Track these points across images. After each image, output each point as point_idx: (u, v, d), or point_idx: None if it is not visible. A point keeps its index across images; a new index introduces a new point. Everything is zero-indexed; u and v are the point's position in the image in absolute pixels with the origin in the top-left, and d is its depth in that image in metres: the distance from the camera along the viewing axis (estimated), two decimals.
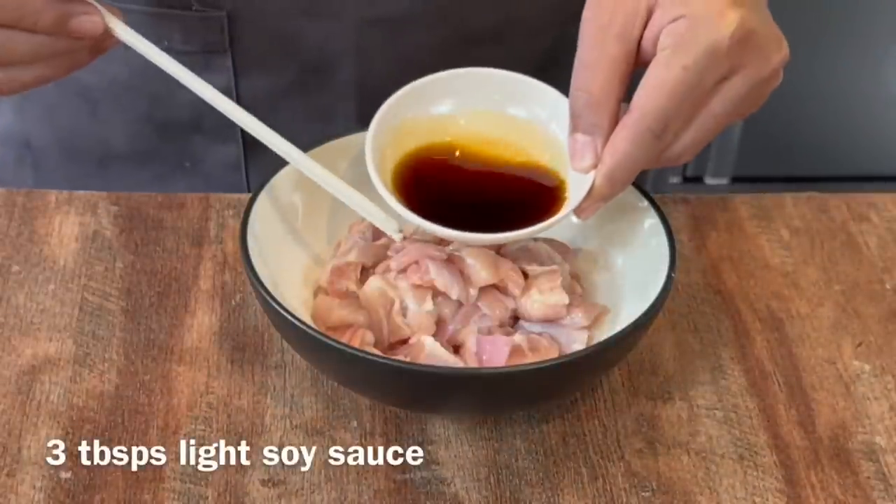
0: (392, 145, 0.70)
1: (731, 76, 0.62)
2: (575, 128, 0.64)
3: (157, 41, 0.83)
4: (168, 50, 0.83)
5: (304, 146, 0.72)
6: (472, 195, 0.71)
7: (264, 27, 0.83)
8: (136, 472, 0.65)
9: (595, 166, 0.64)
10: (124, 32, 0.69)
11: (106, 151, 0.90)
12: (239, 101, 0.86)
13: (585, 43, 0.63)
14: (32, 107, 0.92)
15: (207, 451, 0.67)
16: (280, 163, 0.73)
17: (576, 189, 0.66)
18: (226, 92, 0.85)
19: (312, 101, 0.87)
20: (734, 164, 2.12)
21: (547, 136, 0.70)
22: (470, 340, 0.68)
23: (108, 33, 0.68)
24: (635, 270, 0.72)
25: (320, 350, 0.65)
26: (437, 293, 0.69)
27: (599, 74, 0.62)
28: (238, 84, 0.86)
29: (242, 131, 0.87)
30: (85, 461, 0.66)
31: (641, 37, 0.62)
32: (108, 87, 0.87)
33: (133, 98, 0.88)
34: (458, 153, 0.71)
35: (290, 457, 0.67)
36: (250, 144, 0.89)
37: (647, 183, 0.99)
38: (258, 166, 0.89)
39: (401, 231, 0.70)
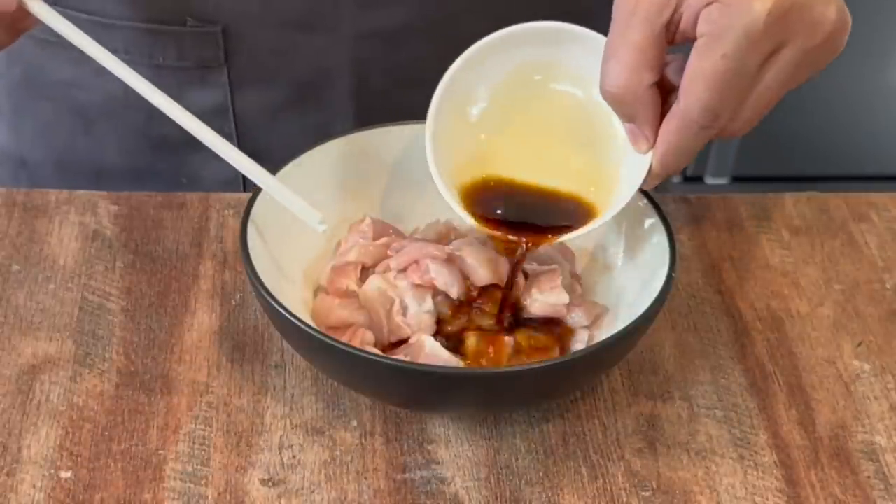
0: (446, 161, 0.70)
1: (780, 50, 0.61)
2: (619, 117, 0.65)
3: (151, 57, 0.83)
4: (163, 66, 0.84)
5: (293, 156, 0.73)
6: (518, 205, 0.71)
7: (260, 42, 0.83)
8: (135, 471, 0.65)
9: (651, 147, 0.64)
10: (40, 9, 0.66)
11: (101, 169, 0.90)
12: (235, 116, 0.86)
13: (612, 30, 0.62)
14: (27, 124, 0.92)
15: (207, 451, 0.67)
16: (278, 171, 0.73)
17: (634, 164, 0.66)
18: (222, 107, 0.85)
19: (309, 116, 0.86)
20: (734, 164, 2.12)
21: (590, 110, 0.69)
22: (470, 340, 0.68)
23: (23, 11, 0.66)
24: (635, 270, 0.72)
25: (320, 350, 0.65)
26: (437, 292, 0.69)
27: (623, 66, 0.62)
28: (234, 99, 0.85)
29: (240, 147, 0.87)
30: (85, 461, 0.66)
31: (674, 19, 0.61)
32: (103, 103, 0.87)
33: (128, 115, 0.87)
34: (503, 168, 0.71)
35: (291, 457, 0.67)
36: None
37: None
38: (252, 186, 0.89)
39: (322, 223, 0.70)
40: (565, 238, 0.69)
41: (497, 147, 0.71)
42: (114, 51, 0.83)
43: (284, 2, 0.80)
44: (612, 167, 0.69)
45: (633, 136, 0.64)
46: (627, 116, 0.64)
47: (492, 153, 0.71)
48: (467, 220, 0.69)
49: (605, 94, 0.63)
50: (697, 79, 0.60)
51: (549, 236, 0.69)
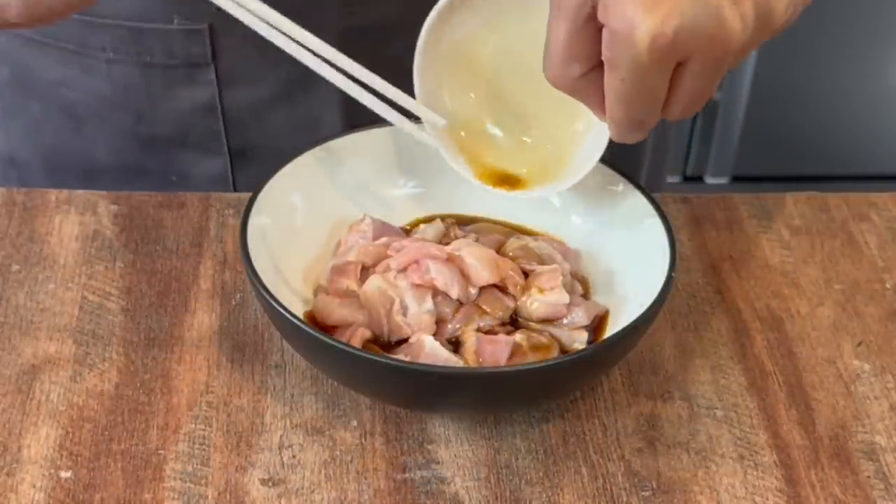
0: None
1: (685, 63, 0.59)
2: None
3: (139, 55, 0.83)
4: (151, 64, 0.84)
5: (291, 156, 0.73)
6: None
7: (247, 39, 0.83)
8: (135, 471, 0.66)
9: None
10: None
11: (91, 167, 0.90)
12: (224, 113, 0.86)
13: (548, 20, 0.62)
14: (16, 124, 0.92)
15: (207, 451, 0.67)
16: (269, 172, 0.73)
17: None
18: (210, 105, 0.85)
19: (298, 111, 0.86)
20: (734, 164, 2.12)
21: None
22: (470, 340, 0.68)
23: None
24: (635, 270, 0.72)
25: (320, 350, 0.65)
26: (437, 292, 0.69)
27: (552, 60, 0.62)
28: (223, 96, 0.85)
29: (228, 144, 0.88)
30: (85, 461, 0.66)
31: (596, 9, 0.60)
32: (92, 103, 0.87)
33: (117, 114, 0.87)
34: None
35: (291, 456, 0.67)
36: (237, 157, 0.88)
37: (642, 179, 0.99)
38: (245, 179, 0.89)
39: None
40: (536, 195, 0.73)
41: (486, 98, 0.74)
42: (101, 49, 0.83)
43: None
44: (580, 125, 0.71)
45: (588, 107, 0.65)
46: (575, 97, 0.64)
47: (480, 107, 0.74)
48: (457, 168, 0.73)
49: (548, 81, 0.64)
50: (609, 94, 0.61)
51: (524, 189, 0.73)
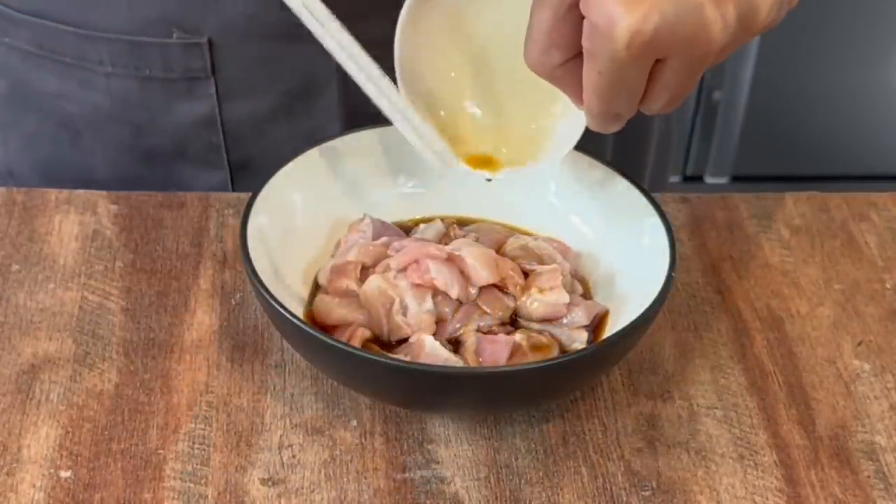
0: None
1: (665, 60, 0.59)
2: None
3: (138, 69, 0.83)
4: (149, 78, 0.83)
5: (291, 157, 0.74)
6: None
7: (246, 53, 0.83)
8: (135, 471, 0.66)
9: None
10: None
11: (89, 180, 0.89)
12: (224, 126, 0.86)
13: (530, 11, 0.62)
14: (14, 136, 0.91)
15: (207, 450, 0.67)
16: (269, 172, 0.72)
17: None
18: (210, 118, 0.85)
19: (298, 125, 0.86)
20: (734, 164, 2.13)
21: None
22: (470, 339, 0.68)
23: None
24: (635, 270, 0.72)
25: (320, 350, 0.65)
26: (436, 292, 0.69)
27: (532, 46, 0.62)
28: (222, 110, 0.85)
29: (229, 157, 0.87)
30: (85, 460, 0.66)
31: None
32: (90, 115, 0.87)
33: (115, 127, 0.87)
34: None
35: (290, 456, 0.67)
36: (237, 170, 0.88)
37: (646, 181, 0.99)
38: (246, 192, 0.88)
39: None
40: (510, 175, 0.72)
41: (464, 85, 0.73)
42: (99, 62, 0.83)
43: (269, 13, 0.80)
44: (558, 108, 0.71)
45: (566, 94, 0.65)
46: (553, 84, 0.64)
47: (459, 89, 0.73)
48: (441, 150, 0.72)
49: (528, 67, 0.63)
50: (587, 86, 0.60)
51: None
